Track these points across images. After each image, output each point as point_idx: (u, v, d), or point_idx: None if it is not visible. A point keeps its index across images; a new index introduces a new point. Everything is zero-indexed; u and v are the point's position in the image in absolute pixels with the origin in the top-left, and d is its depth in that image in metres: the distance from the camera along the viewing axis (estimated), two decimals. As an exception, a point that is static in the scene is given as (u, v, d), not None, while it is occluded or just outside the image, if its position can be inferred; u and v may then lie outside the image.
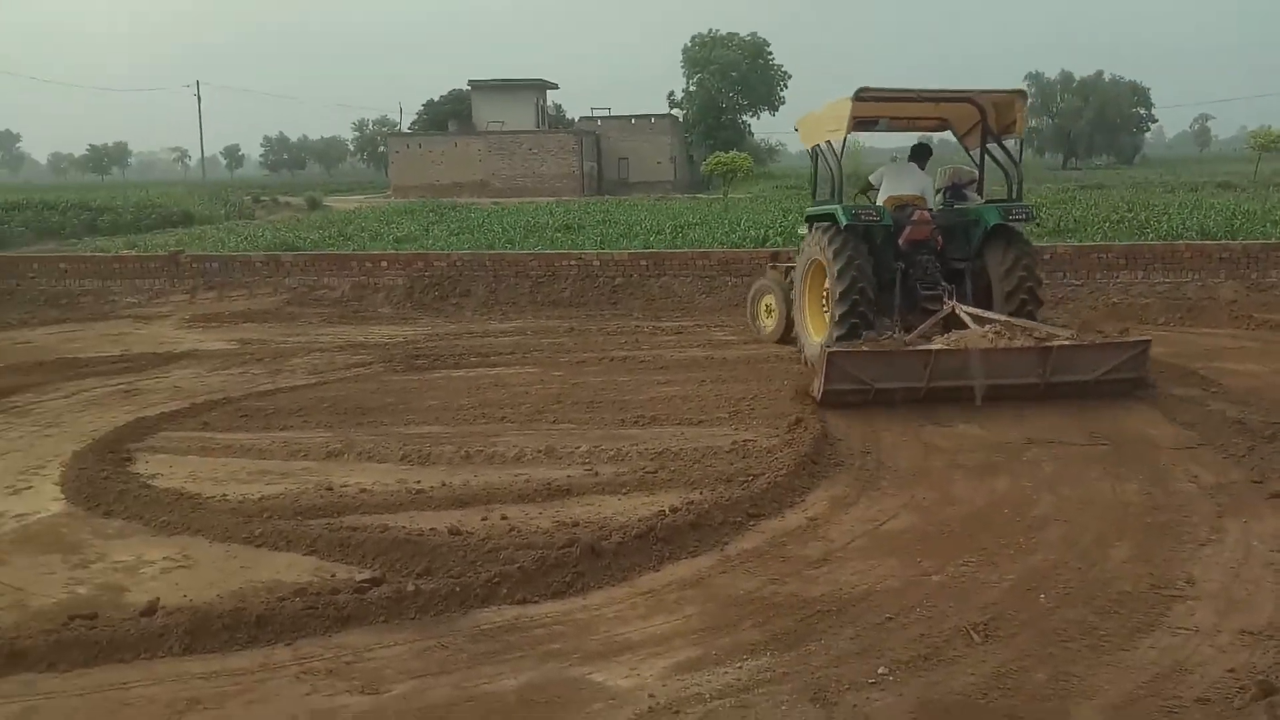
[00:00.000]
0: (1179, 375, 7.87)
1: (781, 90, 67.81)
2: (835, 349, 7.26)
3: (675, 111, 65.38)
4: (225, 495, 5.51)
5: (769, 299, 9.90)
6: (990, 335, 7.36)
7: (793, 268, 9.47)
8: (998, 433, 6.50)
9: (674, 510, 4.96)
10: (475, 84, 59.17)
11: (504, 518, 5.05)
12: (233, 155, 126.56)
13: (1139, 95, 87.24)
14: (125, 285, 14.25)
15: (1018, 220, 8.37)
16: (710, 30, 66.99)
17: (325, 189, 61.67)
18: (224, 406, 7.69)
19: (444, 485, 5.58)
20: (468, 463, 6.04)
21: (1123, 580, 4.16)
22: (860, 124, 8.95)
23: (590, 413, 7.23)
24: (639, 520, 4.83)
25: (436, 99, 67.58)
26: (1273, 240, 13.53)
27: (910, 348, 7.36)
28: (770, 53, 66.43)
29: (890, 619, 3.89)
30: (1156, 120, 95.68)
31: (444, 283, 13.44)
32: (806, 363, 8.52)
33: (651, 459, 5.98)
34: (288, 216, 33.55)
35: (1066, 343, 7.29)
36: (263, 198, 46.53)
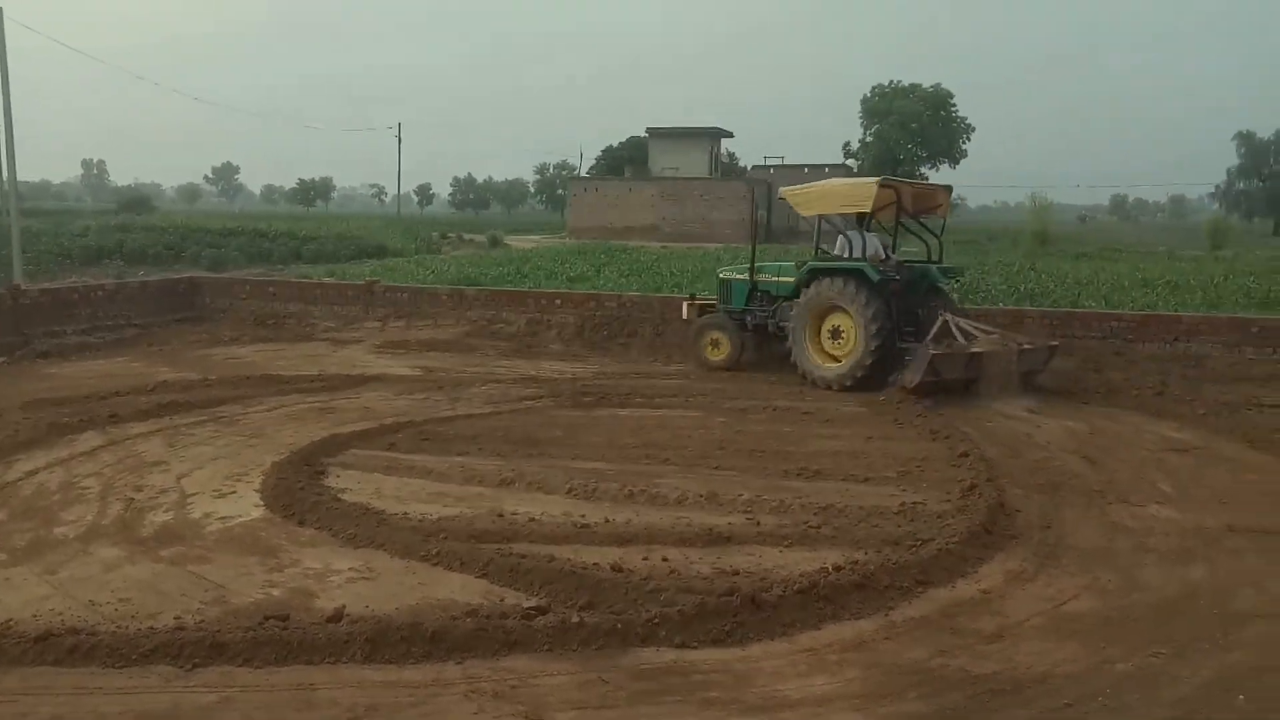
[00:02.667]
0: None
1: (964, 143, 66.07)
2: (934, 351, 9.61)
3: (850, 162, 64.78)
4: (406, 513, 5.83)
5: (715, 334, 11.63)
6: (1003, 339, 10.21)
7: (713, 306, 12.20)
8: (1194, 516, 6.04)
9: (837, 569, 4.87)
10: (653, 131, 60.73)
11: (665, 559, 5.10)
12: (424, 193, 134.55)
13: (1368, 157, 79.55)
14: (325, 310, 15.37)
15: (953, 278, 11.70)
16: (891, 81, 66.22)
17: (506, 228, 64.52)
18: (408, 429, 8.14)
19: (607, 521, 5.70)
20: (631, 501, 6.15)
21: (1341, 693, 3.77)
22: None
23: (753, 461, 7.21)
24: (801, 575, 4.77)
25: (615, 145, 69.75)
26: None
27: (969, 350, 9.81)
28: (954, 105, 64.92)
29: (1069, 705, 3.67)
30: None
31: (613, 323, 13.76)
32: (805, 377, 10.56)
33: (815, 513, 5.91)
34: (471, 252, 35.35)
35: (1028, 345, 10.28)
36: (449, 234, 49.22)
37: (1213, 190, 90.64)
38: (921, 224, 11.63)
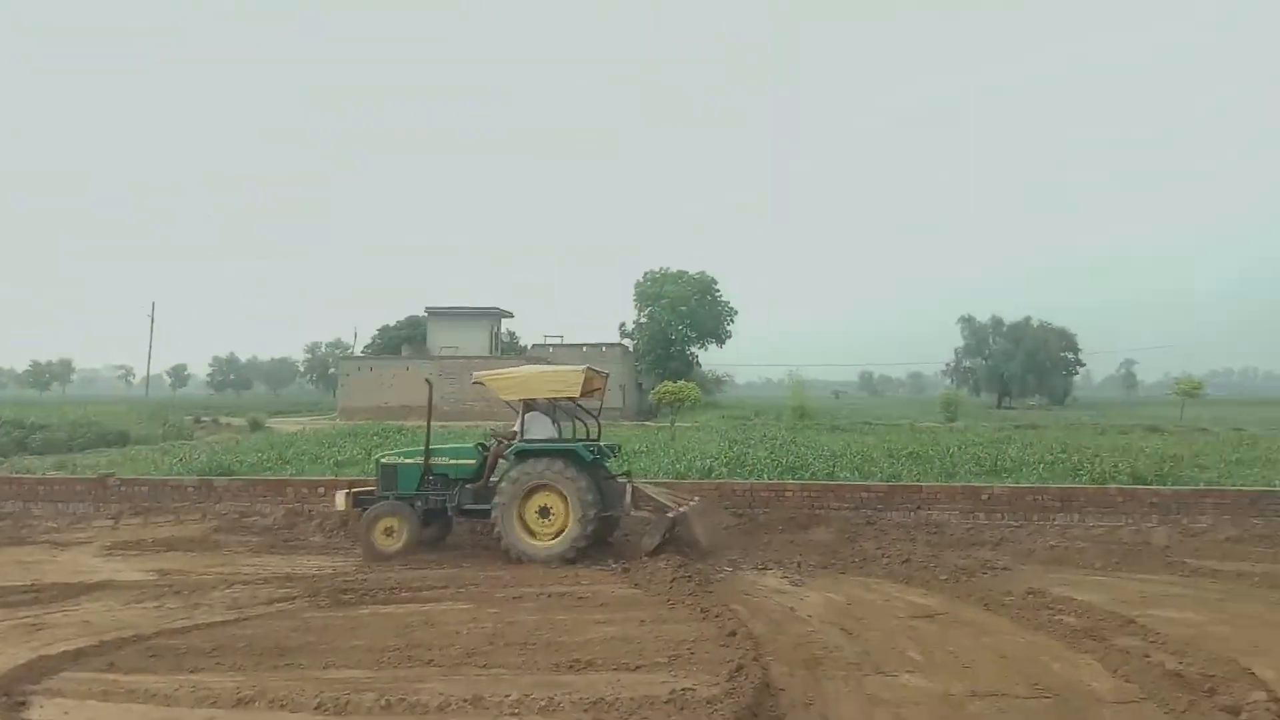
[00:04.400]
0: (1119, 624, 7.84)
1: (729, 324, 70.84)
2: (672, 515, 11.14)
3: (626, 341, 67.65)
4: (119, 748, 5.07)
5: (389, 521, 11.35)
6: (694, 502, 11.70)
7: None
8: (942, 683, 6.34)
9: (604, 771, 4.67)
10: (432, 311, 60.99)
11: (422, 778, 4.70)
12: (179, 374, 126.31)
13: (1066, 340, 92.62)
14: (48, 508, 13.73)
15: (611, 454, 12.06)
16: (662, 267, 70.72)
17: (270, 410, 61.47)
18: (133, 645, 7.24)
19: (360, 739, 5.22)
20: (387, 713, 5.70)
21: None
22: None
23: (523, 655, 6.93)
24: (566, 782, 4.52)
25: (392, 324, 69.24)
26: (1200, 486, 13.98)
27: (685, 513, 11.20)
28: (718, 289, 69.91)
29: None
30: (1084, 364, 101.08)
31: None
32: (515, 556, 10.73)
33: (585, 709, 5.70)
34: (227, 438, 33.11)
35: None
36: (204, 418, 46.07)
37: (944, 367, 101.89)
38: (580, 405, 12.33)
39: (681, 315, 67.30)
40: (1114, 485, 13.94)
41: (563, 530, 10.82)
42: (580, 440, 11.68)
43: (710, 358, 75.18)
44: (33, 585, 9.47)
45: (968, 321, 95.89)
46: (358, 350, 69.56)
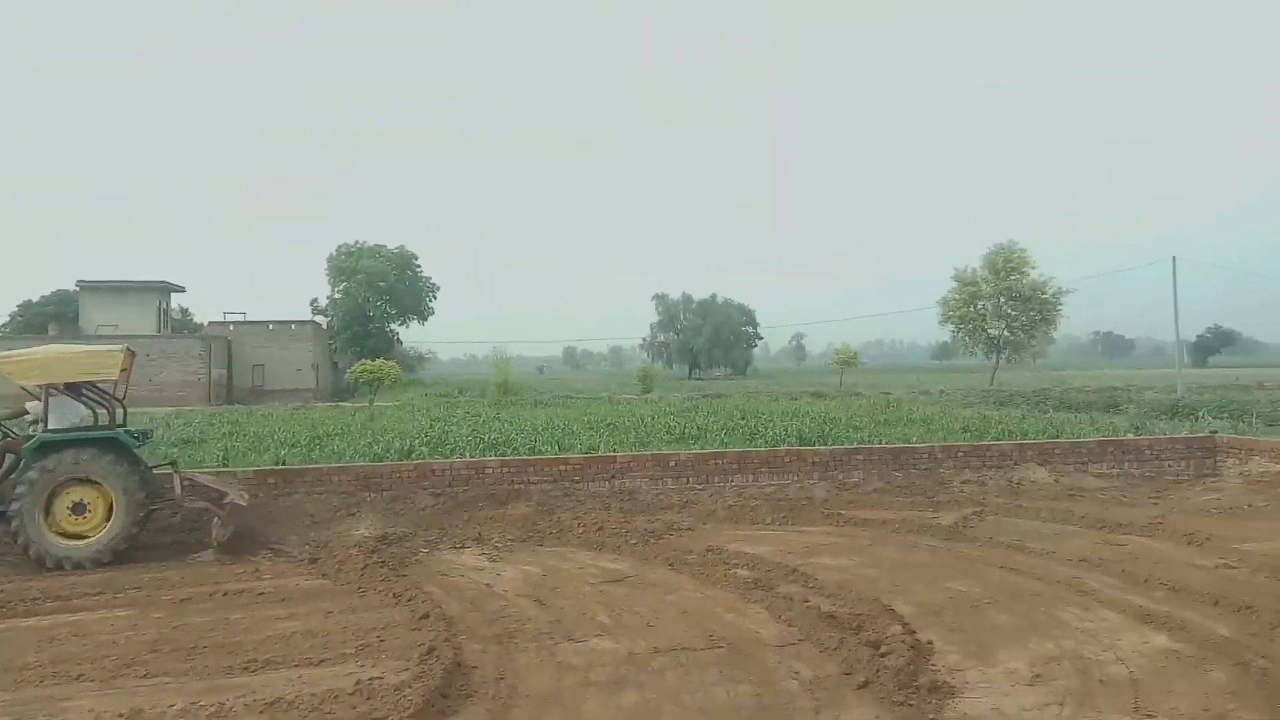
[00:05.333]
0: (784, 573, 8.64)
1: (430, 300, 69.44)
2: (242, 503, 10.60)
3: (319, 318, 64.14)
4: None
5: None
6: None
7: None
8: (627, 644, 6.64)
9: (280, 773, 4.41)
10: (85, 284, 53.89)
11: (62, 810, 4.17)
12: None
13: (747, 316, 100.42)
14: None
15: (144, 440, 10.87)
16: (358, 241, 67.76)
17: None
18: None
19: (-16, 775, 4.54)
20: (22, 741, 4.99)
21: (735, 791, 4.29)
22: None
23: (192, 661, 6.37)
24: (236, 791, 4.22)
25: (36, 299, 60.72)
26: (854, 445, 15.76)
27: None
28: (419, 265, 68.22)
29: None
30: (762, 337, 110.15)
31: (23, 511, 11.50)
32: (42, 561, 9.51)
33: (260, 712, 5.35)
34: None
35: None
36: None
37: (641, 342, 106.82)
38: (97, 388, 11.09)
39: (380, 291, 65.02)
40: (784, 447, 15.35)
41: (103, 526, 9.78)
42: (120, 427, 10.53)
43: (412, 335, 73.27)
44: None
45: (661, 299, 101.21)
46: (-6, 328, 60.23)
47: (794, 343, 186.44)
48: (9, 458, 10.11)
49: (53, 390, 10.31)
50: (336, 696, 5.58)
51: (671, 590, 8.25)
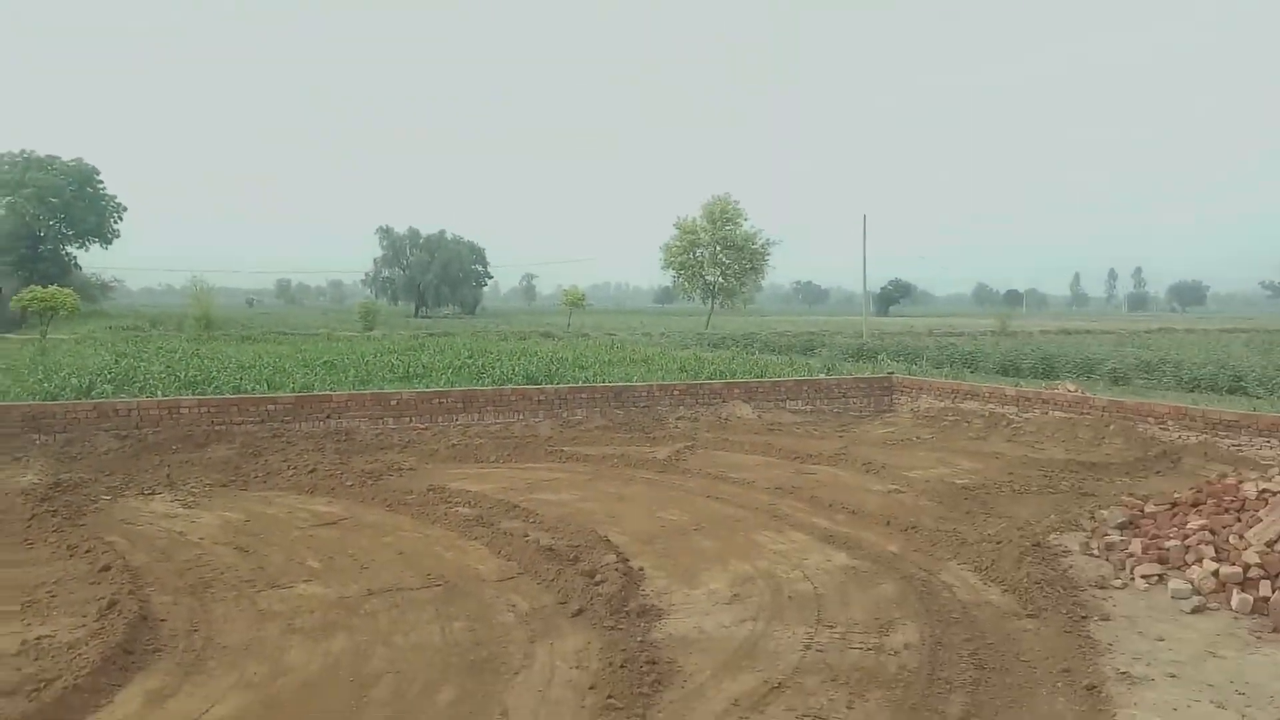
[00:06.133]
0: (506, 509, 8.68)
1: (115, 222, 62.17)
2: None
3: (-24, 237, 55.46)
4: None
5: None
6: None
7: None
8: (338, 588, 6.39)
9: (-85, 754, 3.82)
10: None
11: None
12: None
13: (477, 254, 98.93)
14: None
15: None
16: (24, 150, 58.99)
17: None
18: None
19: None
20: None
21: (447, 726, 4.28)
22: None
23: None
24: None
25: None
26: (579, 383, 16.09)
27: None
28: (101, 182, 60.67)
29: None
30: (493, 277, 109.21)
31: None
32: None
33: (-112, 687, 4.59)
34: None
35: None
36: None
37: (364, 276, 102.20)
38: None
39: (53, 209, 57.22)
40: (510, 386, 15.38)
41: None
42: None
43: (93, 260, 65.40)
44: None
45: (386, 232, 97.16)
46: None
47: (524, 283, 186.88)
48: None
49: None
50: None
51: (389, 532, 8.03)
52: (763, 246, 61.88)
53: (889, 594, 6.32)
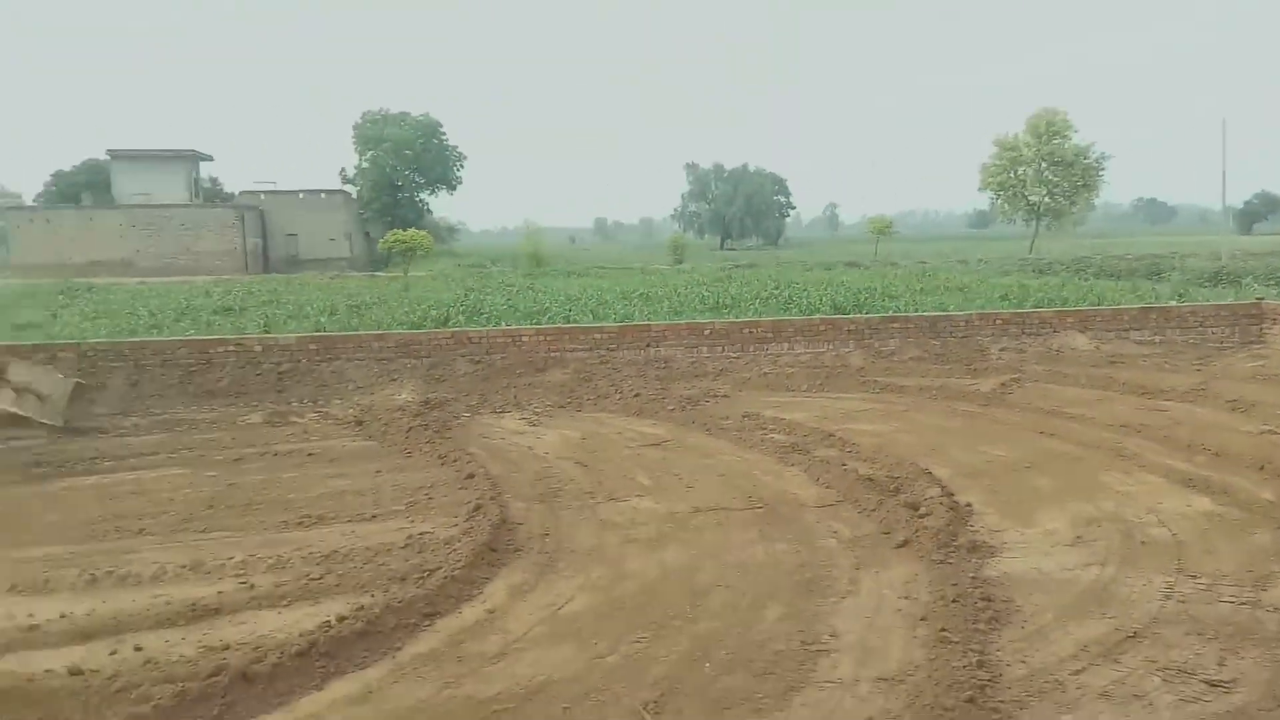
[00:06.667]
0: (821, 438, 8.70)
1: (458, 170, 68.59)
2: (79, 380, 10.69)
3: (348, 188, 63.73)
4: None
5: None
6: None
7: None
8: (668, 504, 6.78)
9: (341, 619, 4.60)
10: (115, 153, 53.58)
11: (138, 648, 4.41)
12: None
13: (779, 185, 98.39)
14: None
15: None
16: (381, 109, 66.51)
17: (-76, 268, 52.74)
18: None
19: (63, 617, 4.79)
20: (94, 587, 5.24)
21: (777, 640, 4.43)
22: None
23: (248, 516, 6.61)
24: (300, 635, 4.42)
25: (68, 169, 60.69)
26: (890, 313, 15.61)
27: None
28: (444, 133, 67.07)
29: (567, 709, 3.83)
30: (795, 207, 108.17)
31: (75, 376, 11.82)
32: None
33: (317, 563, 5.55)
34: None
35: None
36: None
37: (672, 212, 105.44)
38: None
39: (407, 160, 64.20)
40: (818, 316, 15.25)
41: None
42: None
43: (441, 205, 72.86)
44: None
45: (692, 168, 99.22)
46: (29, 199, 60.56)
47: (827, 213, 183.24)
48: None
49: None
50: (389, 549, 5.77)
51: (709, 454, 8.36)
52: (1096, 161, 55.87)
53: (1265, 544, 5.60)
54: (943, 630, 4.43)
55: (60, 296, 24.31)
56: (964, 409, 10.17)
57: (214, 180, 65.13)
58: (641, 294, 21.21)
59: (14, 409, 9.86)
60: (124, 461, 8.43)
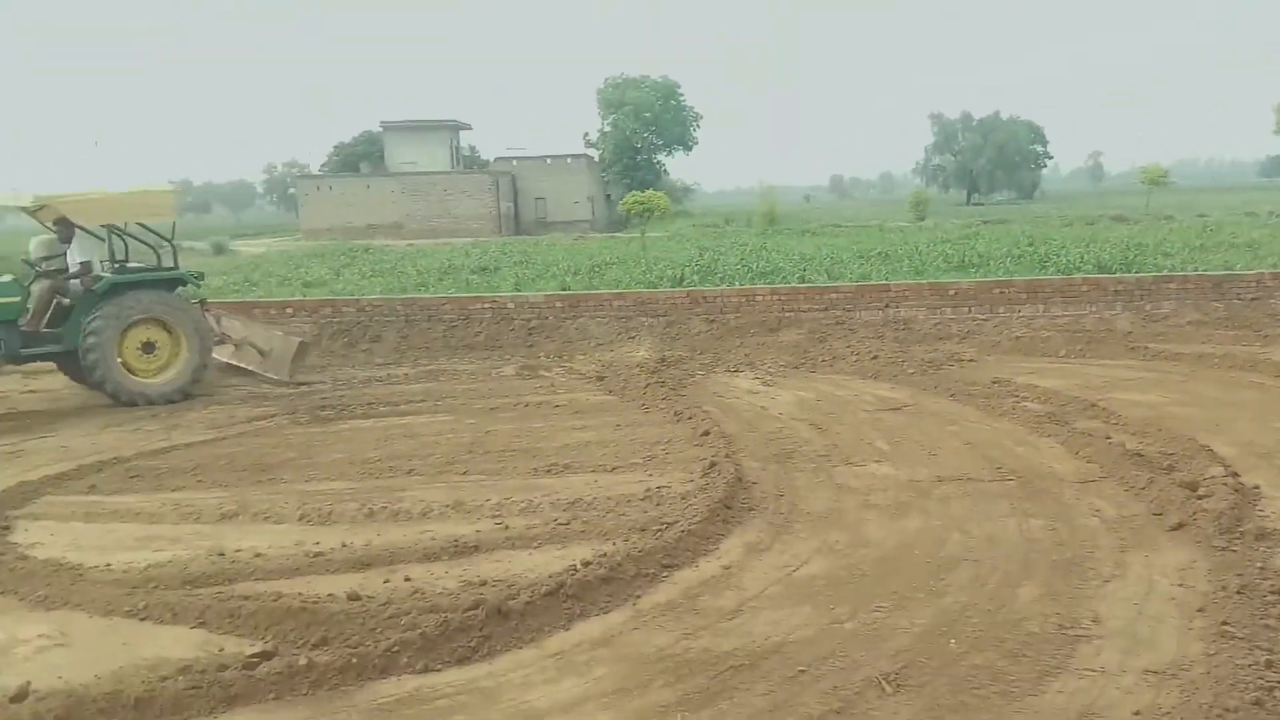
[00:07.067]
0: (1081, 408, 8.06)
1: (694, 130, 69.00)
2: (302, 339, 11.40)
3: (591, 151, 65.87)
4: (109, 564, 5.18)
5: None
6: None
7: None
8: (908, 471, 6.55)
9: (585, 564, 4.83)
10: (387, 125, 58.55)
11: (407, 579, 4.84)
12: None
13: (1035, 133, 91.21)
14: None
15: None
16: (622, 73, 67.94)
17: (233, 232, 60.14)
18: (113, 467, 7.29)
19: (344, 546, 5.34)
20: (371, 520, 5.81)
21: (1030, 621, 4.17)
22: None
23: (502, 462, 7.06)
24: (549, 576, 4.68)
25: (348, 141, 66.75)
26: (1164, 272, 14.14)
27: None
28: (681, 94, 67.57)
29: (803, 671, 3.81)
30: (1052, 157, 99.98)
31: (353, 329, 13.12)
32: (119, 398, 9.73)
33: (564, 509, 5.85)
34: (191, 263, 32.53)
35: None
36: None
37: (914, 166, 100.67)
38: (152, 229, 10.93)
39: (646, 122, 65.30)
40: (1080, 275, 14.06)
41: (170, 365, 10.07)
42: (178, 268, 10.63)
43: (677, 166, 73.78)
44: (9, 413, 9.45)
45: (937, 118, 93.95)
46: (316, 169, 67.29)
47: (1089, 162, 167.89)
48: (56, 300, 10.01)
49: (115, 230, 10.45)
50: (629, 500, 5.98)
51: (954, 421, 7.98)
52: None
53: None
54: (1224, 624, 3.99)
55: (342, 257, 26.94)
56: (1253, 380, 9.07)
57: (472, 148, 69.33)
58: (879, 252, 20.49)
59: (233, 361, 11.18)
60: (396, 407, 9.25)
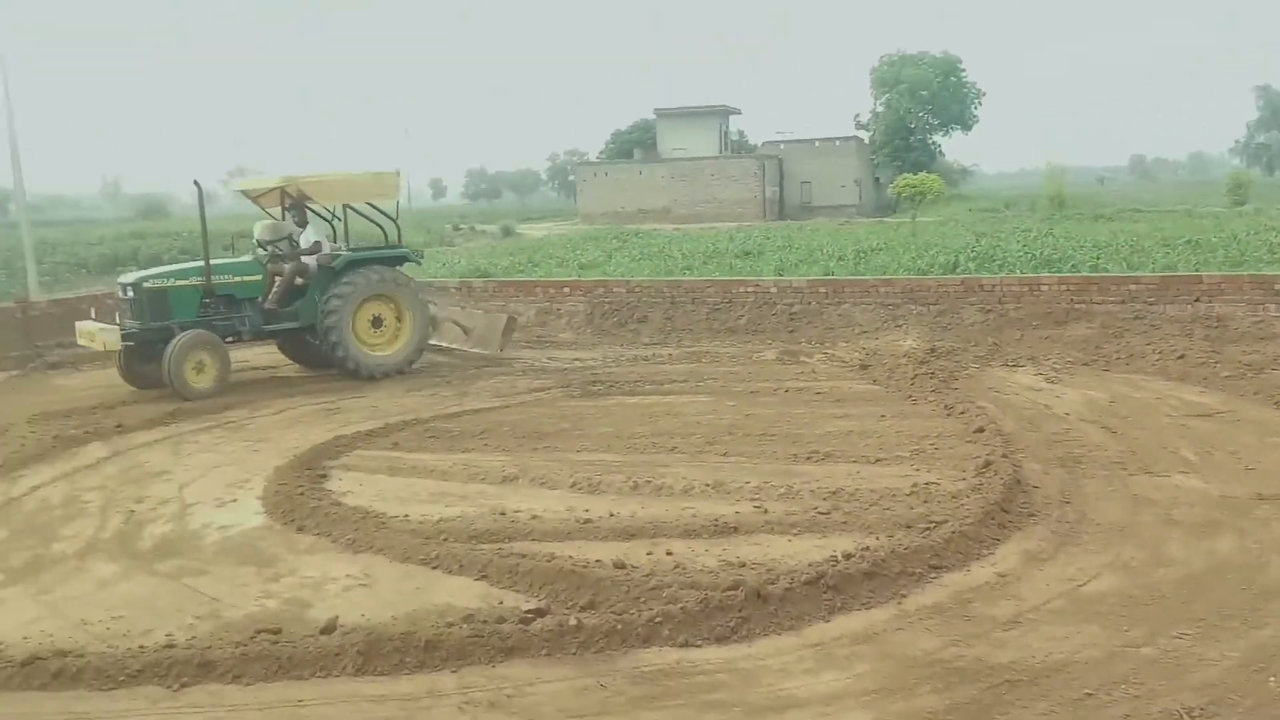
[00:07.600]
0: None
1: (975, 108, 65.18)
2: (512, 315, 12.17)
3: (861, 133, 64.09)
4: (407, 515, 5.72)
5: (200, 356, 9.61)
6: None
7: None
8: (1220, 485, 5.82)
9: (847, 556, 4.71)
10: (660, 112, 60.23)
11: (669, 553, 4.96)
12: (437, 186, 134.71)
13: (1395, 104, 77.79)
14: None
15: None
16: (899, 50, 65.41)
17: (519, 216, 64.42)
18: (413, 427, 8.05)
19: (611, 516, 5.56)
20: (636, 493, 6.01)
21: (1379, 671, 3.57)
22: None
23: (762, 446, 7.05)
24: (809, 565, 4.61)
25: (623, 128, 69.34)
26: None
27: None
28: (963, 70, 64.02)
29: (1090, 695, 3.49)
30: None
31: (623, 309, 13.61)
32: (357, 372, 10.25)
33: (824, 498, 5.74)
34: (483, 244, 35.28)
35: None
36: (461, 226, 49.16)
37: (1233, 145, 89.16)
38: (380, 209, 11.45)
39: (922, 101, 62.49)
40: None
41: (397, 339, 10.58)
42: (401, 247, 11.14)
43: (954, 146, 70.04)
44: (325, 375, 10.72)
45: (1263, 90, 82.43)
46: (593, 156, 70.55)
47: None
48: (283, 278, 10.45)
49: (350, 208, 11.02)
50: (894, 495, 5.76)
51: (1277, 432, 6.99)
52: None
53: None
54: None
55: (614, 240, 28.08)
56: None
57: (740, 133, 69.76)
58: (1188, 240, 18.32)
59: (437, 340, 11.69)
60: (660, 386, 9.51)
